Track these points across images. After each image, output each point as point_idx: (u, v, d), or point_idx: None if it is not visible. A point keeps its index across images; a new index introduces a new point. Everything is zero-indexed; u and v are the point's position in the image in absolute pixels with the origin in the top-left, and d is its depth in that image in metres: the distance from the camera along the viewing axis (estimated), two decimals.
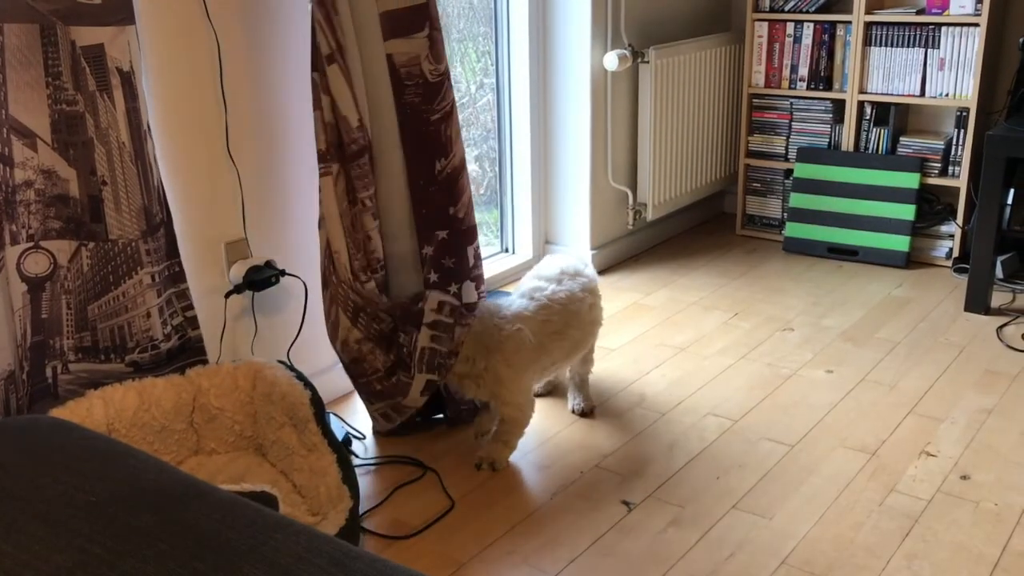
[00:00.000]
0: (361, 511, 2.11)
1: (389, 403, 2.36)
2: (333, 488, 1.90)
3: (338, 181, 2.22)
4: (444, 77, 2.20)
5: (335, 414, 2.54)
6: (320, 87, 2.14)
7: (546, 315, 2.28)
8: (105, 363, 2.04)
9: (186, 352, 2.17)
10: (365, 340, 2.30)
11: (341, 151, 2.21)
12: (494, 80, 3.46)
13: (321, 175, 2.19)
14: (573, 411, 2.54)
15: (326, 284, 2.29)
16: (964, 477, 2.22)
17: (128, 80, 1.92)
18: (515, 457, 2.34)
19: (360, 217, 2.26)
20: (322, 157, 2.18)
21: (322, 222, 2.23)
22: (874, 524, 2.05)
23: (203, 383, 2.11)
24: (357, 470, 2.29)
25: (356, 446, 2.41)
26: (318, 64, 2.13)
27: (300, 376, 2.08)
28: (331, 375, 2.64)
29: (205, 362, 2.20)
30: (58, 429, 1.34)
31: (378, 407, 2.39)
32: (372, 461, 2.34)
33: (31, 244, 1.90)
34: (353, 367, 2.36)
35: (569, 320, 2.33)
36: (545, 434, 2.45)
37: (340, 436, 2.38)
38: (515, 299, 2.33)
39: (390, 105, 2.22)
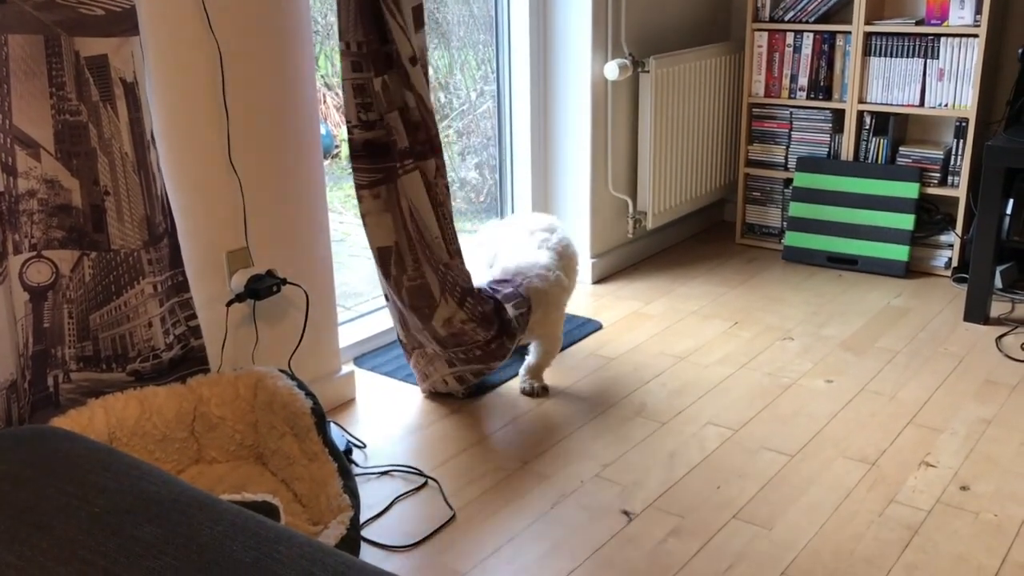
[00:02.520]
0: (362, 520, 2.12)
1: (476, 368, 2.60)
2: (334, 497, 1.90)
3: (425, 173, 2.39)
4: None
5: (336, 423, 2.54)
6: (404, 86, 2.30)
7: (561, 260, 2.70)
8: (106, 372, 2.04)
9: (188, 361, 2.17)
10: (469, 320, 2.50)
11: (428, 145, 2.37)
12: (494, 87, 3.47)
13: (409, 171, 2.36)
14: (523, 391, 2.72)
15: (387, 275, 2.46)
16: (964, 488, 2.22)
17: (131, 90, 1.93)
18: (515, 466, 2.34)
19: (445, 204, 2.46)
20: (405, 154, 2.35)
21: (399, 215, 2.40)
22: (874, 535, 2.05)
23: (204, 392, 2.11)
24: (358, 479, 2.29)
25: (357, 455, 2.41)
26: (398, 64, 2.28)
27: (301, 385, 2.09)
28: (332, 384, 2.64)
29: (207, 371, 2.20)
30: (60, 439, 1.34)
31: (457, 370, 2.59)
32: (372, 470, 2.34)
33: (34, 253, 1.91)
34: (451, 339, 2.52)
35: (571, 262, 2.77)
36: (545, 443, 2.46)
37: (341, 445, 2.38)
38: (535, 251, 2.69)
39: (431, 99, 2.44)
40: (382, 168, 2.39)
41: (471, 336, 2.51)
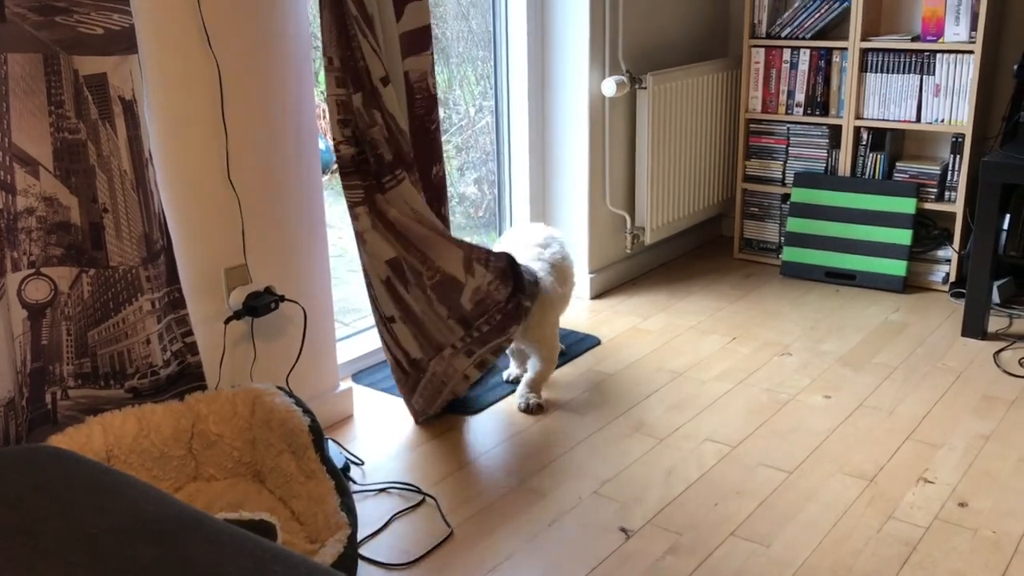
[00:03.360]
0: (359, 538, 2.11)
1: (495, 343, 2.62)
2: (331, 515, 1.90)
3: (411, 184, 2.45)
4: (436, 91, 2.54)
5: (334, 440, 2.54)
6: (373, 106, 2.34)
7: (555, 270, 2.76)
8: (104, 389, 2.04)
9: (185, 378, 2.17)
10: (494, 279, 2.58)
11: (402, 159, 2.42)
12: (493, 103, 3.48)
13: (399, 182, 2.42)
14: (520, 408, 2.74)
15: (406, 284, 2.51)
16: (962, 504, 2.22)
17: (130, 108, 1.93)
18: (513, 483, 2.34)
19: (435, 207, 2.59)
20: (393, 166, 2.40)
21: (391, 227, 2.45)
22: (872, 551, 2.05)
23: (202, 409, 2.11)
24: (356, 496, 2.29)
25: (355, 472, 2.41)
26: (368, 85, 2.31)
27: (299, 402, 2.09)
28: (330, 400, 2.64)
29: (204, 388, 2.20)
30: (58, 460, 1.34)
31: (477, 357, 2.62)
32: (370, 487, 2.34)
33: (32, 271, 1.91)
34: (476, 311, 2.58)
35: (565, 273, 2.83)
36: (543, 460, 2.45)
37: (339, 462, 2.38)
38: (533, 263, 2.73)
39: (405, 118, 2.50)
40: (371, 184, 2.41)
41: (494, 297, 2.58)
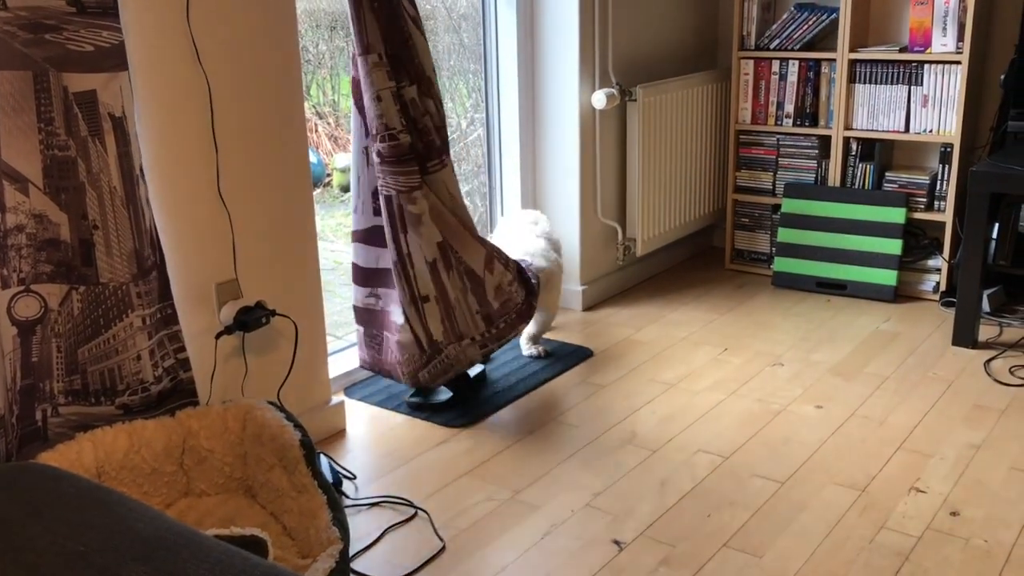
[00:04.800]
0: (352, 553, 2.11)
1: (507, 338, 2.79)
2: (323, 530, 1.90)
3: (450, 167, 2.64)
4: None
5: (325, 454, 2.53)
6: (430, 96, 2.54)
7: (550, 243, 3.13)
8: (95, 406, 2.04)
9: (177, 394, 2.17)
10: (513, 280, 2.77)
11: (444, 145, 2.61)
12: (484, 116, 3.49)
13: (444, 167, 2.61)
14: (532, 356, 3.15)
15: (448, 266, 2.66)
16: (954, 513, 2.23)
17: (120, 125, 1.94)
18: (506, 496, 2.34)
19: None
20: (440, 151, 2.59)
21: (443, 203, 2.62)
22: (865, 561, 2.05)
23: (193, 425, 2.11)
24: (348, 510, 2.28)
25: (347, 486, 2.40)
26: (424, 76, 2.52)
27: (290, 417, 2.09)
28: (322, 414, 2.64)
29: (196, 403, 2.20)
30: (48, 477, 1.34)
31: (488, 349, 2.77)
32: (362, 501, 2.33)
33: (22, 288, 1.91)
34: (500, 310, 2.75)
35: (557, 244, 3.19)
36: (535, 472, 2.45)
37: (330, 477, 2.37)
38: (532, 240, 3.10)
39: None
40: (422, 168, 2.57)
41: (514, 299, 2.78)
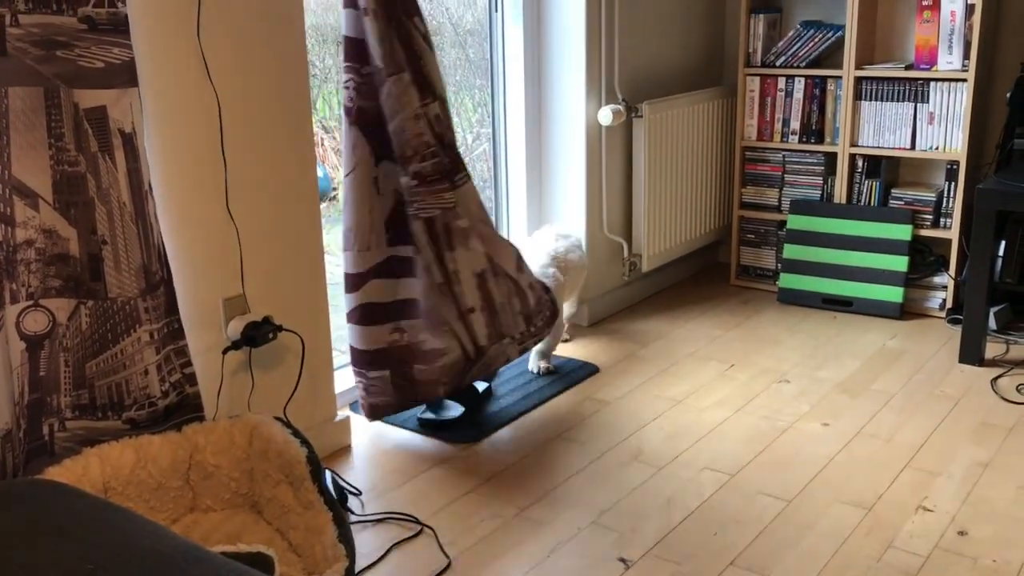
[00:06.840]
0: (357, 569, 2.10)
1: (540, 336, 2.86)
2: (329, 547, 1.89)
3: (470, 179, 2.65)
4: None
5: (331, 470, 2.53)
6: (441, 116, 2.52)
7: (556, 262, 3.16)
8: (102, 420, 2.04)
9: (183, 409, 2.17)
10: (535, 282, 2.84)
11: (462, 159, 2.62)
12: (490, 131, 3.50)
13: (469, 178, 2.61)
14: (538, 372, 3.17)
15: (498, 274, 2.70)
16: (961, 533, 2.21)
17: (130, 141, 1.95)
18: (512, 513, 2.33)
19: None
20: (461, 164, 2.59)
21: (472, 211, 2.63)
22: None
23: (199, 440, 2.11)
24: (353, 527, 2.28)
25: (352, 502, 2.40)
26: (442, 94, 2.52)
27: (296, 433, 2.09)
28: (327, 430, 2.64)
29: (202, 419, 2.20)
30: (55, 494, 1.34)
31: (523, 346, 2.81)
32: (368, 518, 2.33)
33: (31, 302, 1.92)
34: (537, 306, 2.82)
35: (566, 264, 3.20)
36: (541, 489, 2.45)
37: (335, 493, 2.37)
38: (543, 257, 3.18)
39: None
40: (451, 183, 2.57)
41: (542, 296, 2.84)
